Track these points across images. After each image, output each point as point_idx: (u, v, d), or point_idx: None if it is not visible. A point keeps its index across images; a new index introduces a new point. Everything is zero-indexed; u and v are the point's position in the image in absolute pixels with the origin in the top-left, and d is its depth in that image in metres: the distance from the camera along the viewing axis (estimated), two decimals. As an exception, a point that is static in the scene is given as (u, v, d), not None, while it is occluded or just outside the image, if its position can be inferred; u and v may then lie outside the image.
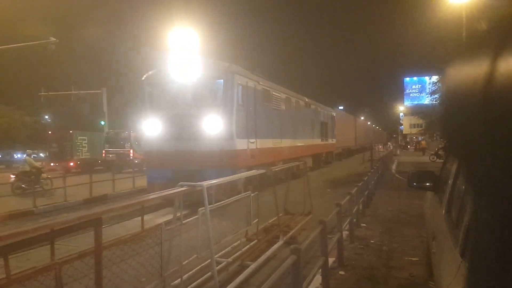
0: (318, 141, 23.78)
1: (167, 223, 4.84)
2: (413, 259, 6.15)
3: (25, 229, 2.43)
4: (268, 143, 14.07)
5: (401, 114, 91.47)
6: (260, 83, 13.81)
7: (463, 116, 0.70)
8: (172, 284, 4.77)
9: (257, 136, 12.67)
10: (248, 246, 6.52)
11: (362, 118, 57.01)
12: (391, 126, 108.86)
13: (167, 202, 10.29)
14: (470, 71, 0.69)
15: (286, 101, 17.29)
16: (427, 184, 4.01)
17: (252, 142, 12.21)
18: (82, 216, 2.64)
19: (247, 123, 11.96)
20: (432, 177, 3.98)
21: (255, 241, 6.83)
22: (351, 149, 41.84)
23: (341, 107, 46.59)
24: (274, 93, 15.48)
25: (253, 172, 6.80)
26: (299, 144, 18.64)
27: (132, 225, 8.49)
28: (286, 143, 16.46)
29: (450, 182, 3.16)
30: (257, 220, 7.15)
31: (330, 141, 27.98)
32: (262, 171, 7.07)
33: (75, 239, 6.34)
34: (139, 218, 7.07)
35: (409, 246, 6.93)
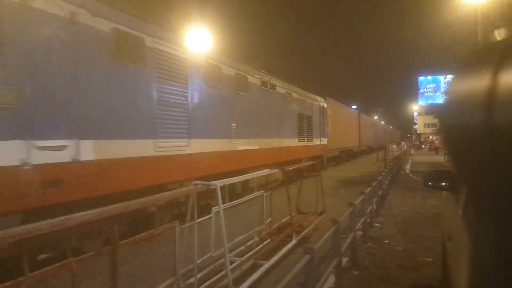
0: (292, 141, 16.20)
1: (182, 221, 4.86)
2: (428, 259, 6.07)
3: (42, 226, 2.47)
4: (145, 147, 7.02)
5: (415, 113, 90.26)
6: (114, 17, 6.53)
7: (465, 124, 0.69)
8: (186, 282, 4.80)
9: (95, 133, 5.96)
10: (261, 245, 6.51)
11: (376, 117, 55.34)
12: (405, 125, 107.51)
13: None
14: (475, 81, 0.68)
15: (209, 72, 9.38)
16: (443, 183, 3.95)
17: (65, 148, 5.38)
18: (98, 212, 2.67)
19: (42, 102, 5.16)
20: (449, 177, 3.91)
21: (268, 240, 6.82)
22: (353, 152, 34.33)
23: (354, 106, 42.12)
24: (167, 50, 7.81)
25: (265, 172, 6.78)
26: (245, 148, 11.15)
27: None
28: (206, 146, 9.02)
29: (467, 181, 3.09)
30: (270, 219, 7.15)
31: (317, 141, 20.12)
32: (275, 170, 7.06)
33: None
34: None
35: (424, 246, 6.84)
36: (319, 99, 21.44)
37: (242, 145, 11.05)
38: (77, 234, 4.35)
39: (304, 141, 17.91)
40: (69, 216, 2.55)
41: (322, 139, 21.34)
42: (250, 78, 12.13)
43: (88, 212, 2.73)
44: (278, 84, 14.86)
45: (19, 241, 2.25)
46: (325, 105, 22.66)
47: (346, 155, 30.57)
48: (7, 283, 2.32)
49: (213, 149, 9.49)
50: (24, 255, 2.37)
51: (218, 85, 9.94)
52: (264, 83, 13.34)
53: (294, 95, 16.89)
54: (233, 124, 10.65)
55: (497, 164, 0.65)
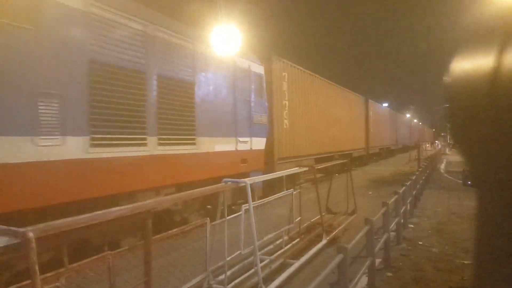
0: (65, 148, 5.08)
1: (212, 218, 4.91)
2: (466, 262, 5.83)
3: (80, 219, 2.55)
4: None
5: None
6: None
7: (468, 112, 0.68)
8: (216, 278, 4.84)
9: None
10: (290, 245, 6.47)
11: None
12: (439, 124, 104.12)
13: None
14: (476, 67, 0.66)
15: None
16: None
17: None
18: (133, 207, 2.73)
19: None
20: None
21: (298, 239, 6.77)
22: (353, 157, 22.22)
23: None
24: None
25: (295, 170, 6.73)
26: None
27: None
28: None
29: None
30: (299, 218, 7.09)
31: (222, 144, 8.74)
32: (305, 168, 6.99)
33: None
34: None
35: (461, 248, 6.58)
36: (246, 56, 9.99)
37: None
38: (113, 228, 4.46)
39: (148, 145, 6.63)
40: (106, 210, 2.61)
41: (246, 139, 9.82)
42: None
43: (124, 207, 2.80)
44: None
45: (60, 234, 2.33)
46: (258, 70, 10.61)
47: (337, 166, 13.49)
48: (49, 274, 2.42)
49: None
50: (64, 248, 2.45)
51: None
52: None
53: (94, 11, 5.69)
54: None
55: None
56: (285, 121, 12.72)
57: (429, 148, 46.13)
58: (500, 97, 0.60)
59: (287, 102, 12.87)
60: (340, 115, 19.95)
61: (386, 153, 33.88)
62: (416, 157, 24.01)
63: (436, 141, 69.68)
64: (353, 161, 21.70)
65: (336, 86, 19.82)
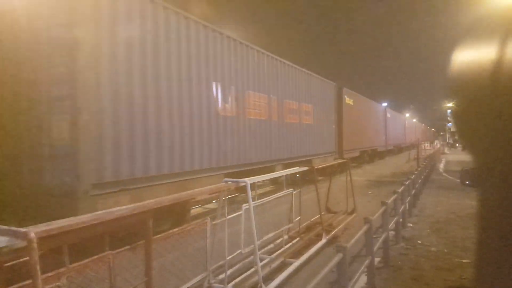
0: None
1: (212, 218, 4.93)
2: (464, 261, 5.85)
3: (81, 220, 2.57)
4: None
5: (448, 110, 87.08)
6: None
7: (472, 106, 0.68)
8: (216, 278, 4.86)
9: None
10: (290, 244, 6.49)
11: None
12: (438, 123, 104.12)
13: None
14: (477, 61, 0.66)
15: None
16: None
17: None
18: (134, 207, 2.75)
19: None
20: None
21: (297, 239, 6.78)
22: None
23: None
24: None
25: (296, 169, 6.75)
26: None
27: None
28: None
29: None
30: (299, 217, 7.10)
31: None
32: (305, 168, 7.01)
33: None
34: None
35: (459, 247, 6.60)
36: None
37: None
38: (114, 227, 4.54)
39: None
40: (107, 210, 2.63)
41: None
42: None
43: (124, 207, 2.82)
44: None
45: (60, 234, 2.35)
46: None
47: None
48: (50, 274, 2.43)
49: None
50: (65, 247, 2.47)
51: None
52: None
53: None
54: None
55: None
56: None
57: (428, 148, 46.10)
58: (502, 91, 0.60)
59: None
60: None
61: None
62: (416, 157, 24.05)
63: (436, 140, 69.67)
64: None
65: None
